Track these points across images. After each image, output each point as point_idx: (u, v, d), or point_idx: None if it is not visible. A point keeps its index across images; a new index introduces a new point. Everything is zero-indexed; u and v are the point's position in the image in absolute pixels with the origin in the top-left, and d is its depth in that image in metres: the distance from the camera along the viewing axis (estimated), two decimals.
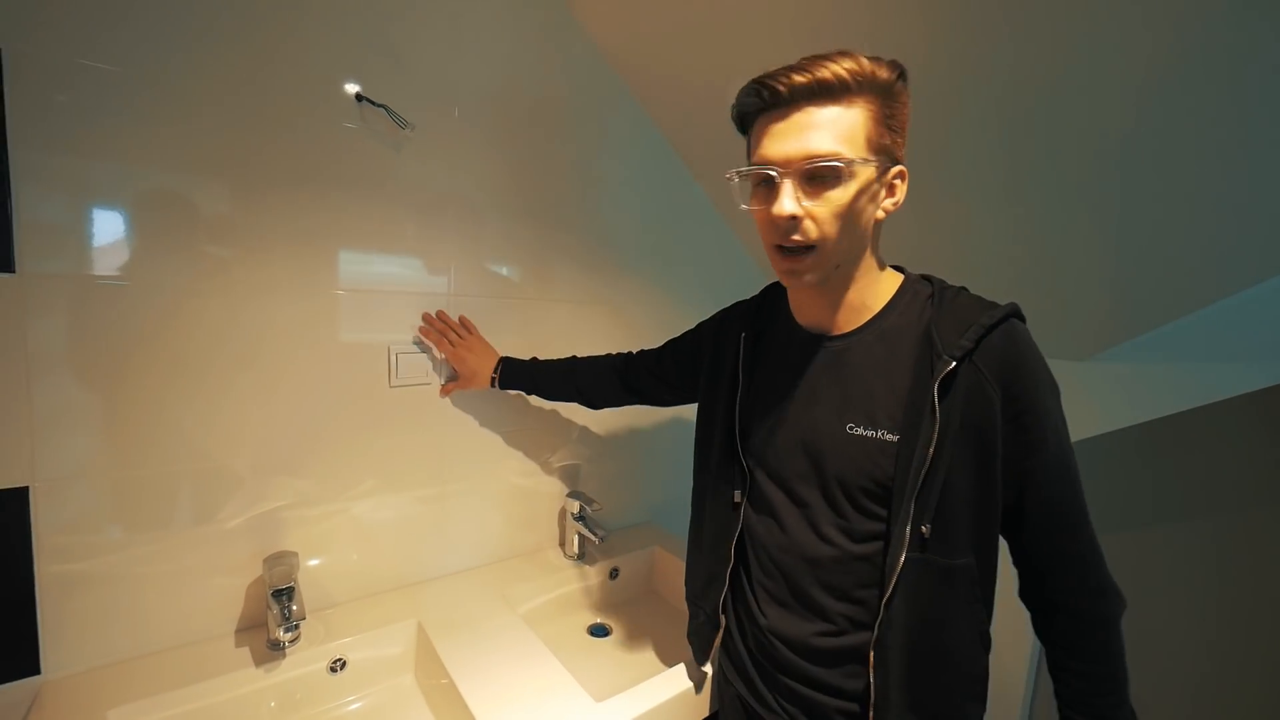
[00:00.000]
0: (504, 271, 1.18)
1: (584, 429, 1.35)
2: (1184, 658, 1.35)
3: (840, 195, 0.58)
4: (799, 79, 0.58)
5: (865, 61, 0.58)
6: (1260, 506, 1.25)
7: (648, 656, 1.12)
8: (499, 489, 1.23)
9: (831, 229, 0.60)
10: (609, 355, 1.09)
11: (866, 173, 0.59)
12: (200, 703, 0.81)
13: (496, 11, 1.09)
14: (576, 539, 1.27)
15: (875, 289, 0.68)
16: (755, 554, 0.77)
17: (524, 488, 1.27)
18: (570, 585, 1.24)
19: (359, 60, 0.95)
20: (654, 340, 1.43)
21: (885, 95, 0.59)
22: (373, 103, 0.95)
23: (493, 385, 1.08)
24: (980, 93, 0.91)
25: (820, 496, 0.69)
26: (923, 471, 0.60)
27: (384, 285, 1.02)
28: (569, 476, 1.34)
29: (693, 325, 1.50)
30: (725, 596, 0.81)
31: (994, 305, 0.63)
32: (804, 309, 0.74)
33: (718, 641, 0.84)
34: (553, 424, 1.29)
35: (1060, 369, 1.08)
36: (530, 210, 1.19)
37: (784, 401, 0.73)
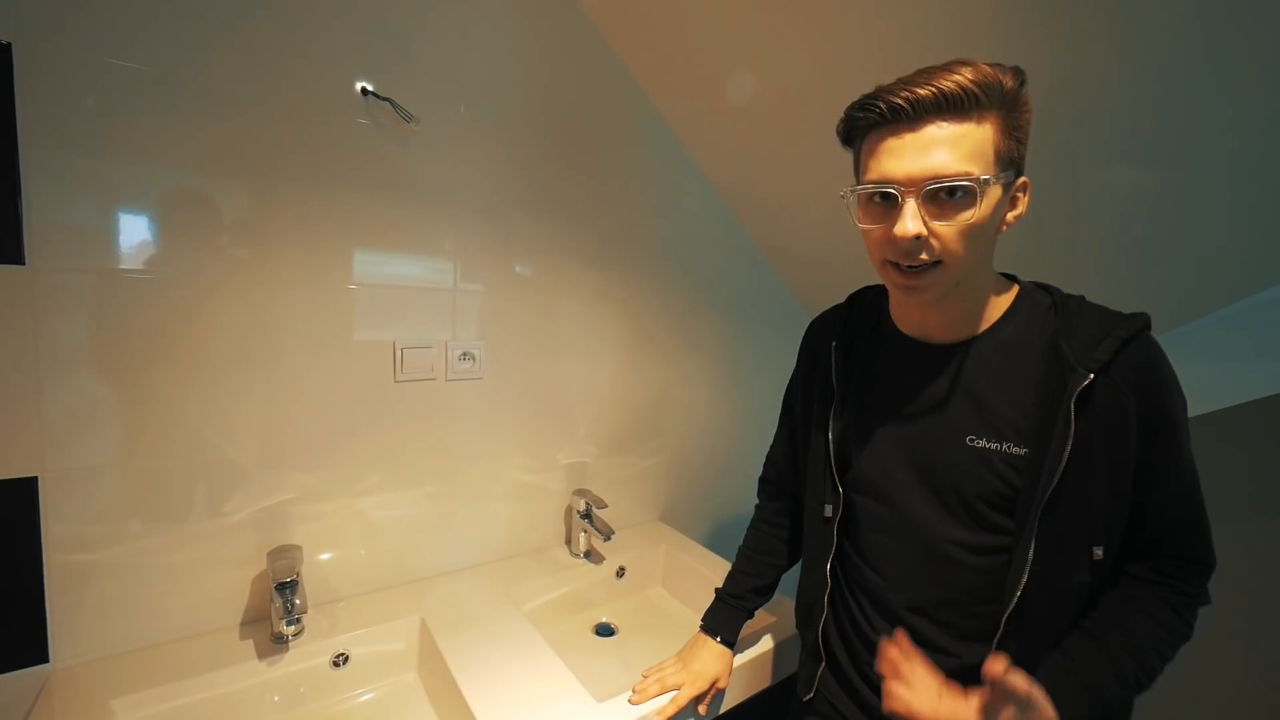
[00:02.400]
0: (512, 267, 1.17)
1: (591, 427, 1.34)
2: (1192, 664, 1.31)
3: (969, 215, 0.55)
4: (922, 93, 0.54)
5: (988, 69, 0.54)
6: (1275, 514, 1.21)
7: (654, 656, 1.09)
8: (505, 486, 1.22)
9: (958, 247, 0.57)
10: (758, 498, 0.98)
11: (995, 190, 0.56)
12: (203, 695, 0.81)
13: (505, 7, 1.08)
14: (583, 537, 1.26)
15: (990, 299, 0.66)
16: (862, 574, 0.75)
17: (530, 485, 1.26)
18: (576, 584, 1.23)
19: (369, 56, 0.95)
20: (662, 336, 1.42)
21: (1010, 105, 0.56)
22: (378, 96, 0.95)
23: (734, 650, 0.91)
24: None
25: (937, 509, 0.67)
26: (1051, 485, 0.58)
27: (389, 280, 1.02)
28: (576, 474, 1.33)
29: (701, 320, 1.50)
30: (827, 623, 0.78)
31: (1124, 316, 0.61)
32: (911, 318, 0.70)
33: (819, 673, 0.80)
34: (560, 421, 1.28)
35: None
36: (537, 206, 1.18)
37: (889, 412, 0.71)
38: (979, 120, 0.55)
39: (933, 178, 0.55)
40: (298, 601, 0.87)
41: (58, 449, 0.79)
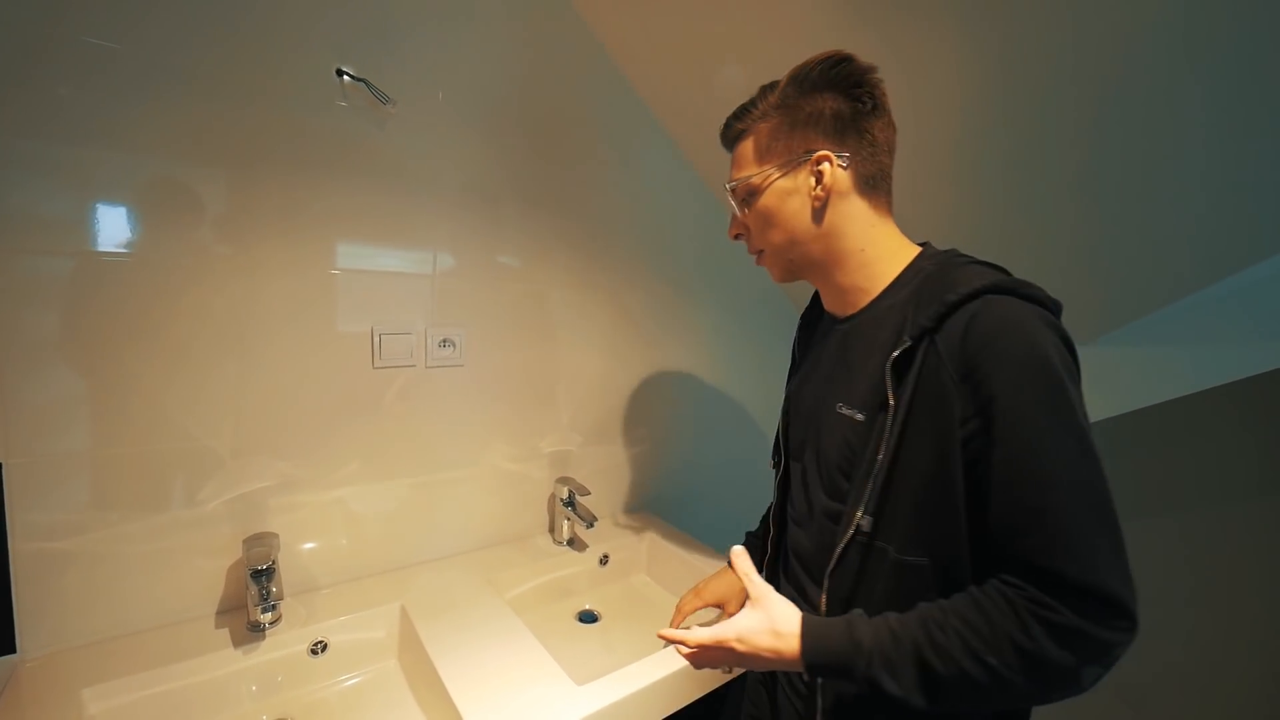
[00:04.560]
0: (493, 254, 1.16)
1: (575, 415, 1.33)
2: (1197, 648, 1.34)
3: (758, 206, 0.68)
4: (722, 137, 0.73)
5: (760, 100, 0.67)
6: (1259, 495, 1.23)
7: (636, 642, 1.10)
8: (487, 474, 1.21)
9: (760, 233, 0.70)
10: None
11: (768, 179, 0.66)
12: (176, 683, 0.80)
13: None
14: (566, 525, 1.26)
15: (872, 270, 0.67)
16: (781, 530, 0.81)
17: (513, 473, 1.25)
18: (559, 571, 1.23)
19: (346, 37, 0.93)
20: (647, 324, 1.42)
21: (780, 109, 0.65)
22: (354, 77, 0.93)
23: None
24: (982, 76, 0.88)
25: (815, 472, 0.71)
26: (874, 455, 0.59)
27: (367, 265, 1.01)
28: (559, 462, 1.32)
29: (686, 309, 1.50)
30: (763, 565, 0.83)
31: (977, 277, 0.57)
32: (822, 297, 0.76)
33: None
34: (543, 409, 1.28)
35: None
36: (520, 193, 1.17)
37: (806, 381, 0.78)
38: (743, 138, 0.69)
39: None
40: (274, 589, 0.86)
41: (24, 434, 0.77)
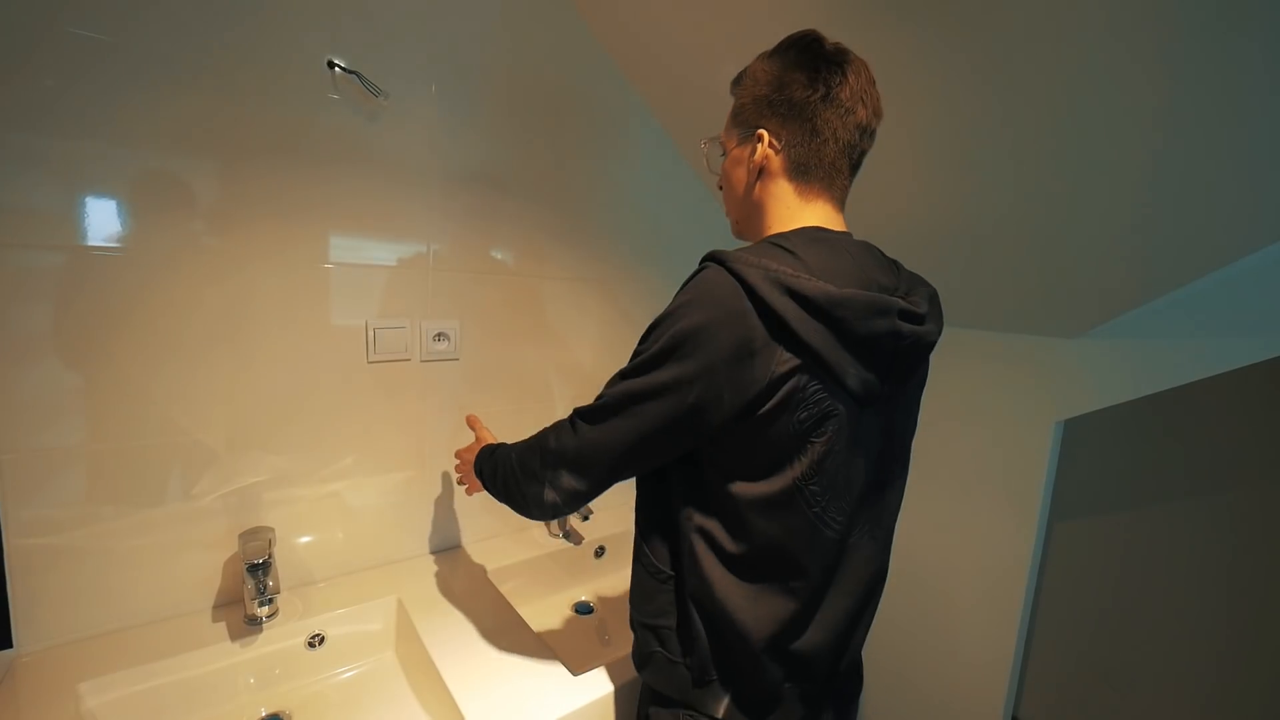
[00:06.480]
0: (487, 247, 1.15)
1: (570, 407, 1.33)
2: (1183, 635, 1.36)
3: (722, 166, 0.74)
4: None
5: (750, 68, 0.70)
6: (1254, 484, 1.25)
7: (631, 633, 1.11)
8: None
9: (724, 190, 0.75)
10: None
11: (729, 144, 0.71)
12: (174, 677, 0.81)
13: None
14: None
15: None
16: None
17: None
18: (555, 563, 1.24)
19: (337, 30, 0.93)
20: (641, 316, 1.42)
21: (754, 82, 0.68)
22: (345, 69, 0.93)
23: None
24: (973, 61, 0.88)
25: None
26: None
27: (361, 259, 1.00)
28: None
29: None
30: None
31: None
32: None
33: None
34: (538, 402, 1.28)
35: (1051, 346, 1.06)
36: (514, 185, 1.17)
37: None
38: (734, 100, 0.71)
39: None
40: (270, 583, 0.86)
41: (16, 429, 0.77)
